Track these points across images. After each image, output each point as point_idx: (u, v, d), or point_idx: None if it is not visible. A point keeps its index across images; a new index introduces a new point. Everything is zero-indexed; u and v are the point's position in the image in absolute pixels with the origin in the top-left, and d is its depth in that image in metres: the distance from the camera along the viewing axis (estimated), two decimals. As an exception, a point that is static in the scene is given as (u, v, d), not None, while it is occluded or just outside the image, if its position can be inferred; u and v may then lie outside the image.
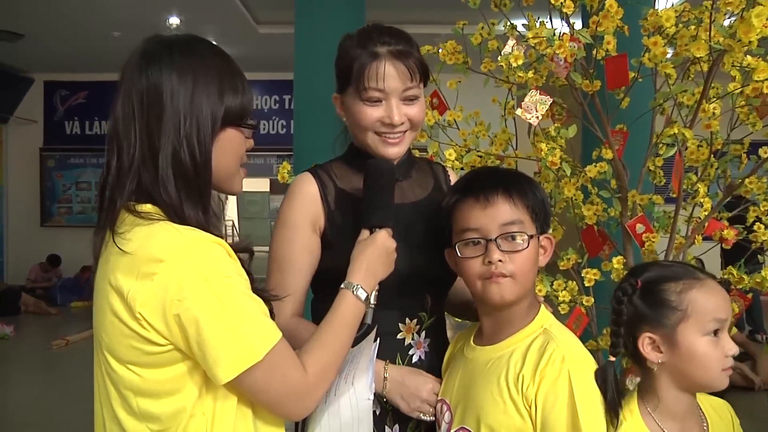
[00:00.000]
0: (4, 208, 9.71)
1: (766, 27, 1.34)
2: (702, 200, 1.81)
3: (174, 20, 6.92)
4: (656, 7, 1.65)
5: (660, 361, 1.15)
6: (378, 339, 1.23)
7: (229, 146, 1.09)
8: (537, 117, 1.69)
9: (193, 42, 1.10)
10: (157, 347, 0.99)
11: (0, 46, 7.76)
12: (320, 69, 4.06)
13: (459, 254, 1.21)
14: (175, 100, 1.03)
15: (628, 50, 1.78)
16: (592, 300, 1.91)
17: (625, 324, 1.18)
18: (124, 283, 0.98)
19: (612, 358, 1.18)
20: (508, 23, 1.95)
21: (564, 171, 1.79)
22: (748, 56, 1.42)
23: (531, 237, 1.19)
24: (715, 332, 1.13)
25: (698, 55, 1.45)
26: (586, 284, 1.87)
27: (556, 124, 1.81)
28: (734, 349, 1.14)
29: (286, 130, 9.37)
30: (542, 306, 1.26)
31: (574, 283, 1.94)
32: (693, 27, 1.59)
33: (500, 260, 1.16)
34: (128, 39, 7.48)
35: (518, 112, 1.65)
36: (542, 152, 1.70)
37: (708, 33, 1.43)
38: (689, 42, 1.50)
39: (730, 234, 1.91)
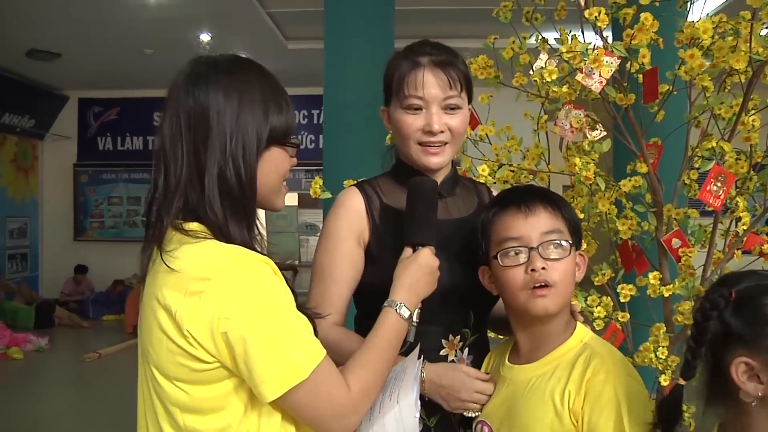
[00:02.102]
0: (39, 223, 9.92)
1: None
2: (741, 214, 1.77)
3: (204, 37, 7.03)
4: (690, 19, 1.63)
5: (761, 394, 0.93)
6: (422, 356, 1.23)
7: (274, 164, 1.10)
8: (571, 132, 1.68)
9: (238, 62, 1.11)
10: (204, 365, 0.99)
11: (38, 66, 7.98)
12: (349, 83, 4.11)
13: (500, 264, 1.19)
14: (221, 119, 1.04)
15: (661, 62, 1.76)
16: (628, 316, 1.88)
17: (708, 343, 0.98)
18: (171, 300, 0.99)
19: (682, 382, 1.02)
20: (540, 37, 1.94)
21: (598, 185, 1.77)
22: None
23: (571, 245, 1.19)
24: None
25: (738, 67, 1.42)
26: (622, 300, 1.84)
27: (589, 138, 1.79)
28: None
29: (314, 144, 9.44)
30: (578, 321, 1.24)
31: (609, 298, 1.91)
32: (730, 38, 1.56)
33: (543, 267, 1.15)
34: (160, 56, 7.68)
35: (556, 131, 1.63)
36: (576, 167, 1.68)
37: (748, 44, 1.40)
38: (728, 53, 1.47)
39: (771, 248, 1.86)
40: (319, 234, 1.48)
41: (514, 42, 1.95)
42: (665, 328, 1.84)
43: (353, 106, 3.97)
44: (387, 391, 1.18)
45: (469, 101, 1.40)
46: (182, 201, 1.05)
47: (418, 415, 1.18)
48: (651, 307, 1.99)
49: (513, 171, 1.94)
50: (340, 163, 3.93)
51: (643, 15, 1.54)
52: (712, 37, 1.56)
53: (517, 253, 1.18)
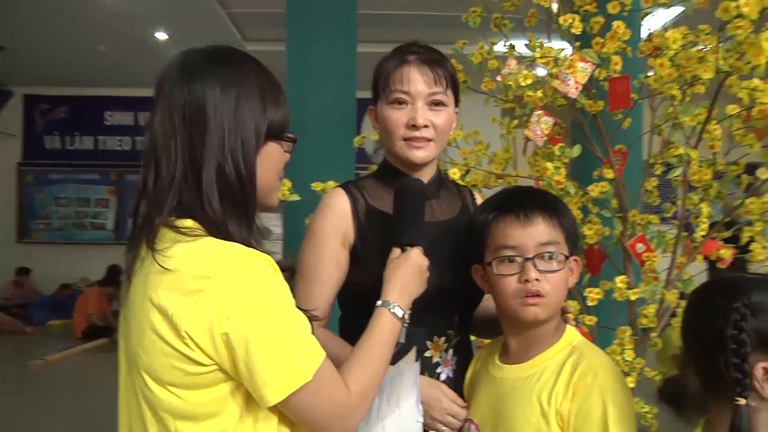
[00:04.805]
0: (-20, 224, 9.53)
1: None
2: (703, 220, 1.83)
3: (161, 35, 6.90)
4: (644, 26, 1.67)
5: None
6: (419, 360, 1.22)
7: (270, 160, 1.07)
8: (542, 137, 1.70)
9: (233, 54, 1.07)
10: (201, 368, 0.95)
11: (-19, 59, 7.69)
12: (312, 87, 4.06)
13: (495, 271, 1.20)
14: (218, 114, 1.00)
15: (623, 71, 1.80)
16: (595, 319, 1.91)
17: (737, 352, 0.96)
18: (167, 301, 0.94)
19: (741, 401, 0.96)
20: (508, 43, 1.97)
21: (567, 190, 1.79)
22: (755, 79, 1.44)
23: (566, 258, 1.20)
24: None
25: (706, 77, 1.47)
26: (589, 303, 1.87)
27: (560, 144, 1.82)
28: None
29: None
30: (568, 324, 1.25)
31: (576, 302, 1.94)
32: (693, 49, 1.61)
33: (536, 279, 1.16)
34: (114, 53, 7.50)
35: (526, 132, 1.65)
36: (548, 171, 1.70)
37: (716, 55, 1.45)
38: (695, 63, 1.52)
39: (727, 254, 1.93)
40: (274, 237, 1.46)
41: (482, 47, 1.96)
42: (630, 331, 1.88)
43: (316, 109, 3.94)
44: (384, 395, 1.17)
45: (456, 103, 1.40)
46: (176, 199, 1.00)
47: (421, 420, 1.17)
48: (615, 310, 2.03)
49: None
50: (302, 166, 3.88)
51: (615, 23, 1.57)
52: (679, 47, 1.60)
53: (511, 261, 1.18)
